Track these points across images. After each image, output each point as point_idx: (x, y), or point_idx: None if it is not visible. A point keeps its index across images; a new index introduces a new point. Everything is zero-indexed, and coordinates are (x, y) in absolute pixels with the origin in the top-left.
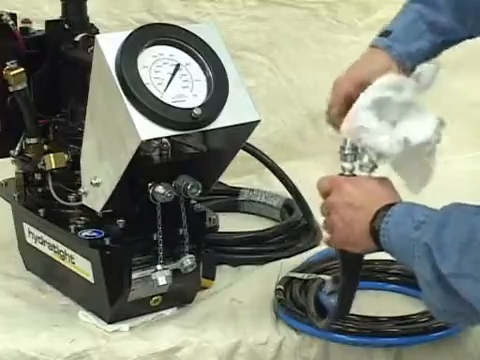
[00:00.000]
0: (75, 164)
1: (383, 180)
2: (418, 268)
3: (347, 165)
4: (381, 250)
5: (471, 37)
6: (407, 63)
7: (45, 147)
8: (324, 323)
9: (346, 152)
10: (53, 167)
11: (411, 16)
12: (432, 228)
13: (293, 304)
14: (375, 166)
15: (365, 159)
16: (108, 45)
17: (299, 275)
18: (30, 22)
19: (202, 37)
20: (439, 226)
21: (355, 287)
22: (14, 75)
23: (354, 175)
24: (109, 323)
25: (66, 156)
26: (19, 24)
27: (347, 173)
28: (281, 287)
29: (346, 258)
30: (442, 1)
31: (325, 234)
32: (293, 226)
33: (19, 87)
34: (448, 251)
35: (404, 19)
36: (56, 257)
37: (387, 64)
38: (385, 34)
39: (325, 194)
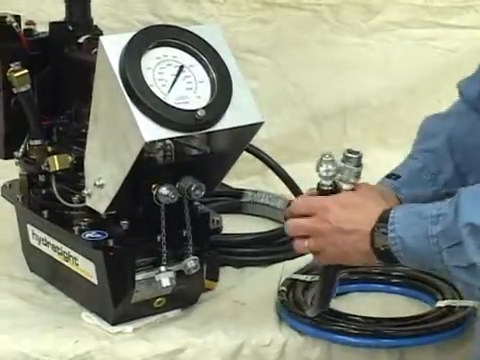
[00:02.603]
0: (79, 166)
1: (365, 190)
2: (452, 259)
3: (326, 182)
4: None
5: None
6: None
7: (49, 149)
8: (311, 311)
9: (324, 175)
10: (57, 169)
11: (417, 165)
12: (468, 208)
13: (295, 305)
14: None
15: (345, 175)
16: (112, 47)
17: (302, 277)
18: (34, 24)
19: (206, 39)
20: (473, 205)
21: (334, 279)
22: (18, 77)
23: (335, 187)
24: (113, 324)
25: (70, 158)
26: (23, 26)
27: (326, 188)
28: (284, 288)
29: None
30: (445, 153)
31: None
32: None
33: (23, 89)
34: None
35: (410, 167)
36: (60, 259)
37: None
38: (393, 177)
39: (302, 216)
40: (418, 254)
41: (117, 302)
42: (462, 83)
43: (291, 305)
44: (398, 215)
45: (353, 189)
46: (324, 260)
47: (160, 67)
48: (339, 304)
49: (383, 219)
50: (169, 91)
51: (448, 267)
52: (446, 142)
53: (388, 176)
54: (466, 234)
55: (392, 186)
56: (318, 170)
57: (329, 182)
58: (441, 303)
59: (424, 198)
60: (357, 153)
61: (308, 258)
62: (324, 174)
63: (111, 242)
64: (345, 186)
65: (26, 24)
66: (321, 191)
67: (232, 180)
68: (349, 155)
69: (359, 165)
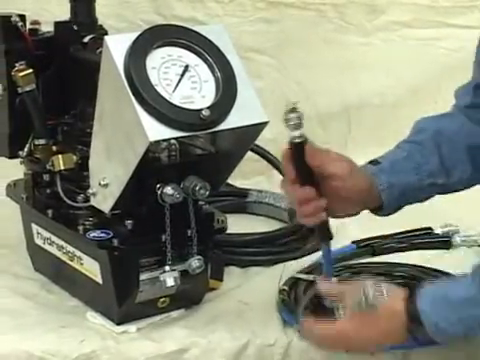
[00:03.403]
0: (84, 165)
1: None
2: None
3: (295, 133)
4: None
5: (458, 190)
6: (387, 193)
7: (54, 148)
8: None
9: (292, 123)
10: (62, 168)
11: (401, 154)
12: None
13: (296, 305)
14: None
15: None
16: (117, 46)
17: (305, 276)
18: (39, 23)
19: (211, 38)
20: None
21: None
22: (23, 76)
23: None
24: (117, 324)
25: (75, 157)
26: (28, 25)
27: (297, 141)
28: (285, 288)
29: None
30: (431, 146)
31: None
32: (301, 228)
33: (28, 88)
34: None
35: (394, 156)
36: (64, 258)
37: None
38: (374, 163)
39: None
40: (466, 333)
41: (121, 302)
42: (457, 91)
43: (291, 304)
44: (427, 309)
45: None
46: None
47: (165, 67)
48: None
49: (414, 319)
50: (174, 91)
51: None
52: (433, 136)
53: (370, 162)
54: None
55: (371, 171)
56: (287, 122)
57: (298, 132)
58: None
59: (404, 186)
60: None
61: (313, 258)
62: (292, 122)
63: (116, 242)
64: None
65: (31, 24)
66: (294, 145)
67: (237, 180)
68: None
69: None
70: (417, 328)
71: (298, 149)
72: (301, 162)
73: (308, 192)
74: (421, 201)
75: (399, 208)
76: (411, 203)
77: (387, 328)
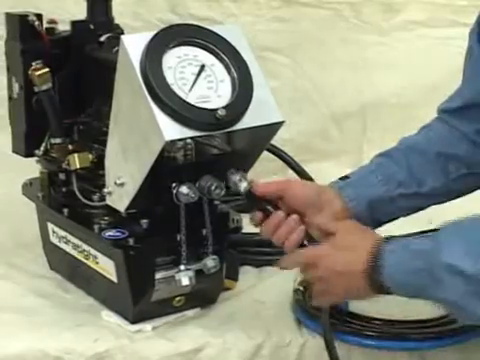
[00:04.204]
0: (99, 164)
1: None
2: (446, 288)
3: (244, 184)
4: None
5: (439, 201)
6: (354, 205)
7: (70, 147)
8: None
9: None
10: (77, 167)
11: (369, 168)
12: (447, 247)
13: (311, 305)
14: None
15: None
16: (133, 45)
17: None
18: (56, 22)
19: (227, 38)
20: (452, 244)
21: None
22: (39, 75)
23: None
24: (132, 323)
25: (90, 156)
26: (45, 24)
27: (251, 188)
28: (300, 287)
29: None
30: (400, 157)
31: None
32: None
33: (44, 87)
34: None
35: (362, 170)
36: (80, 257)
37: (335, 201)
38: (342, 178)
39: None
40: (406, 288)
41: (137, 300)
42: (440, 105)
43: (307, 304)
44: (387, 256)
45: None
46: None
47: (181, 66)
48: (359, 304)
49: (375, 258)
50: (190, 90)
51: (447, 293)
52: (404, 148)
53: (341, 178)
54: (446, 273)
55: (337, 186)
56: (238, 186)
57: (246, 184)
58: None
59: (371, 197)
60: None
61: None
62: (237, 178)
63: (131, 241)
64: None
65: (48, 23)
66: (247, 194)
67: None
68: None
69: None
70: (376, 268)
71: (252, 194)
72: (259, 202)
73: (274, 217)
74: (403, 215)
75: (374, 224)
76: (389, 218)
77: (349, 258)
